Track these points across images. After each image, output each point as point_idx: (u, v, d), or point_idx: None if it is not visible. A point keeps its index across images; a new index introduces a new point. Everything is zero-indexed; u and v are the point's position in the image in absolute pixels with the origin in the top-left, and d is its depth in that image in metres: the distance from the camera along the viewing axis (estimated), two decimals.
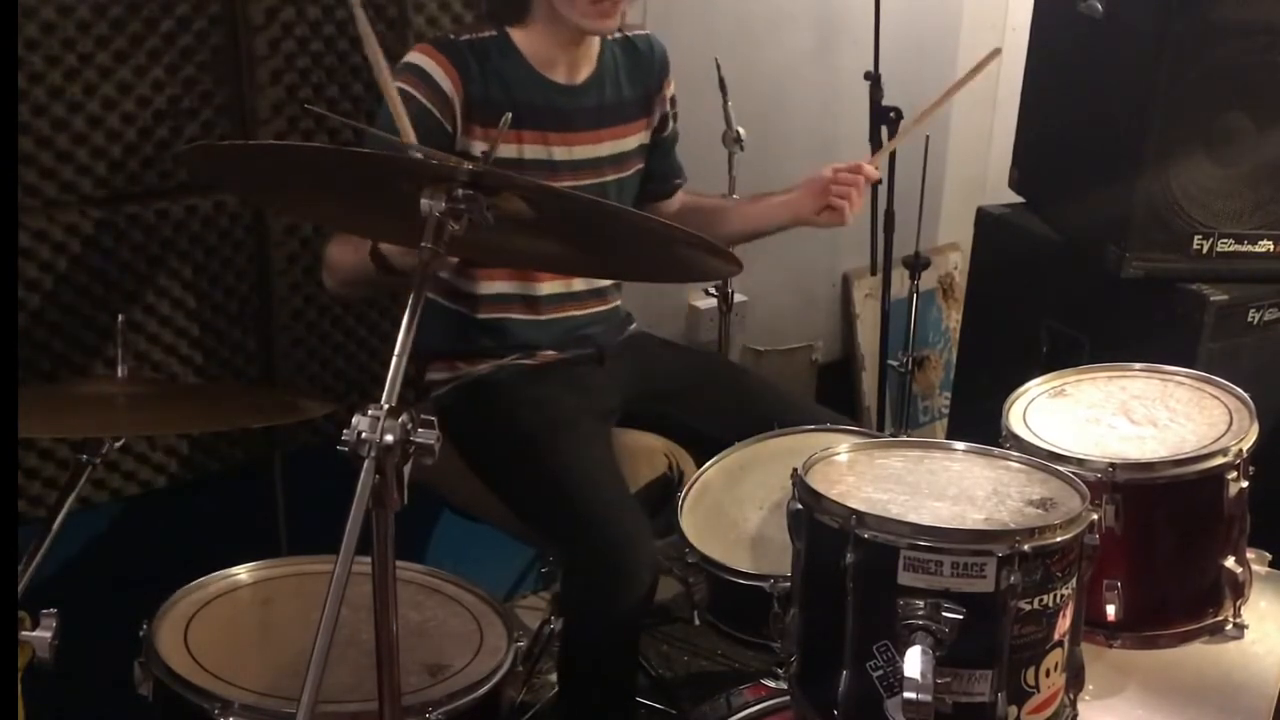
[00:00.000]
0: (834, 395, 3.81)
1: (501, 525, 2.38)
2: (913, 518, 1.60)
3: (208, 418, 2.13)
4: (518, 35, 2.32)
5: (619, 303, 2.57)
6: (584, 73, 2.38)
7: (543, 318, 2.43)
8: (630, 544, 2.13)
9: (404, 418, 1.40)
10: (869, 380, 3.85)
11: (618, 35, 2.45)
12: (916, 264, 3.26)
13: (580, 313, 2.47)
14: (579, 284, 2.45)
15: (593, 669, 2.26)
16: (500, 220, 1.55)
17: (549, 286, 2.41)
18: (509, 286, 2.39)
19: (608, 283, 2.50)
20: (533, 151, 2.31)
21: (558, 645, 2.47)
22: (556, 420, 2.31)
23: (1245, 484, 1.92)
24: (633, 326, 2.61)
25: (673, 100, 2.56)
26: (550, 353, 2.44)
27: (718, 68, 2.75)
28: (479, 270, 2.37)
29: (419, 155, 1.70)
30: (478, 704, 1.71)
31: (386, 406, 1.40)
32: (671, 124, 2.58)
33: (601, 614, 2.16)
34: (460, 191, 1.49)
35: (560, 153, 2.36)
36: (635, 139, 2.49)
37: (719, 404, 2.40)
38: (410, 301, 1.48)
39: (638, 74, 2.47)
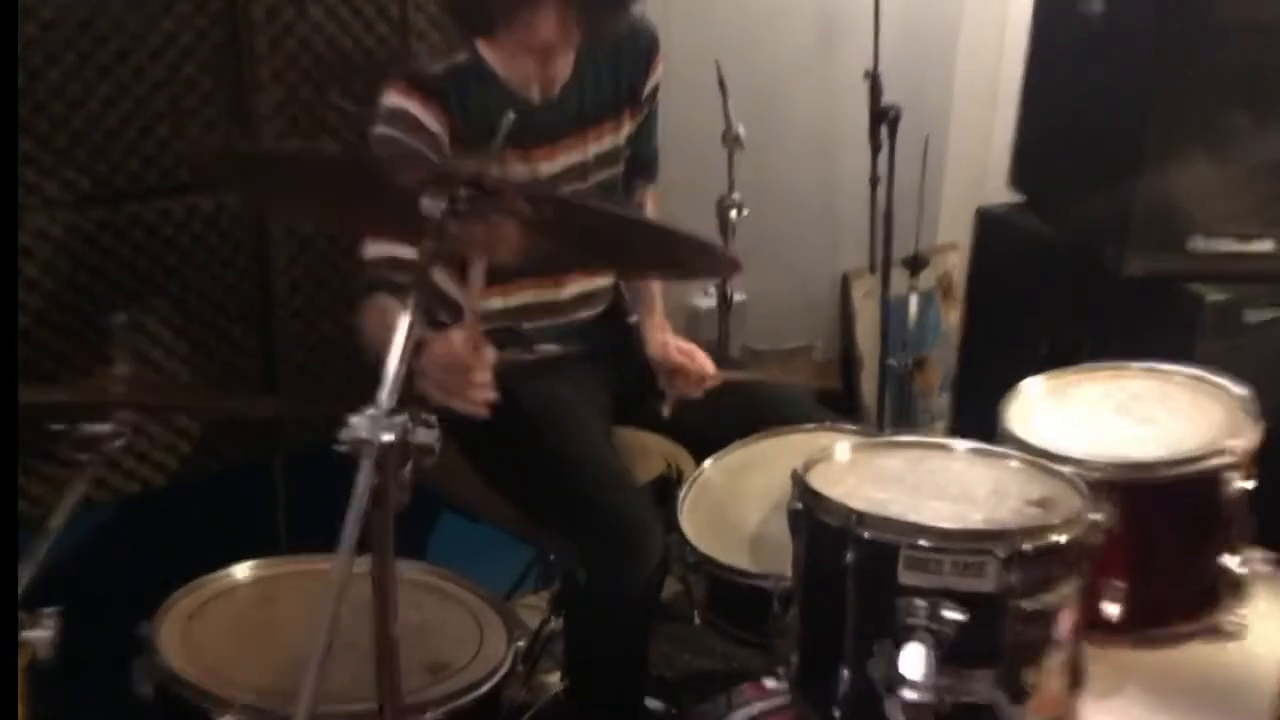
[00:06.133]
0: (834, 395, 3.81)
1: (501, 523, 2.38)
2: (913, 517, 1.61)
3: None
4: (490, 54, 2.26)
5: (612, 298, 2.57)
6: (562, 77, 2.31)
7: (540, 324, 2.44)
8: (638, 518, 2.14)
9: (403, 417, 1.40)
10: (868, 380, 3.85)
11: None
12: (916, 264, 3.26)
13: (567, 319, 2.47)
14: (571, 289, 2.45)
15: (603, 655, 2.26)
16: (501, 218, 1.55)
17: (534, 296, 2.41)
18: (494, 302, 2.39)
19: (598, 288, 2.50)
20: (517, 172, 2.28)
21: (559, 646, 2.47)
22: (555, 405, 2.32)
23: (1244, 483, 1.92)
24: (633, 319, 2.61)
25: (655, 88, 2.48)
26: (546, 347, 2.45)
27: (718, 68, 2.75)
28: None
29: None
30: (478, 704, 1.71)
31: (386, 406, 1.40)
32: (648, 114, 2.51)
33: (612, 592, 2.15)
34: (462, 192, 1.49)
35: (545, 166, 2.33)
36: (623, 132, 2.45)
37: (718, 403, 2.40)
38: (410, 303, 1.48)
39: (622, 68, 2.40)
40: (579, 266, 2.25)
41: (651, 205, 2.64)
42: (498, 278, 2.37)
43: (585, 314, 2.50)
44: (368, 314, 2.20)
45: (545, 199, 1.58)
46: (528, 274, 2.39)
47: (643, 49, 2.44)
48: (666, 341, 2.47)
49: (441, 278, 2.07)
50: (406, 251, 2.17)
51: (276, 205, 2.25)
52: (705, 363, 2.41)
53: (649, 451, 2.49)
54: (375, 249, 2.19)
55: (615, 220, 1.72)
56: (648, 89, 2.47)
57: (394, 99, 2.21)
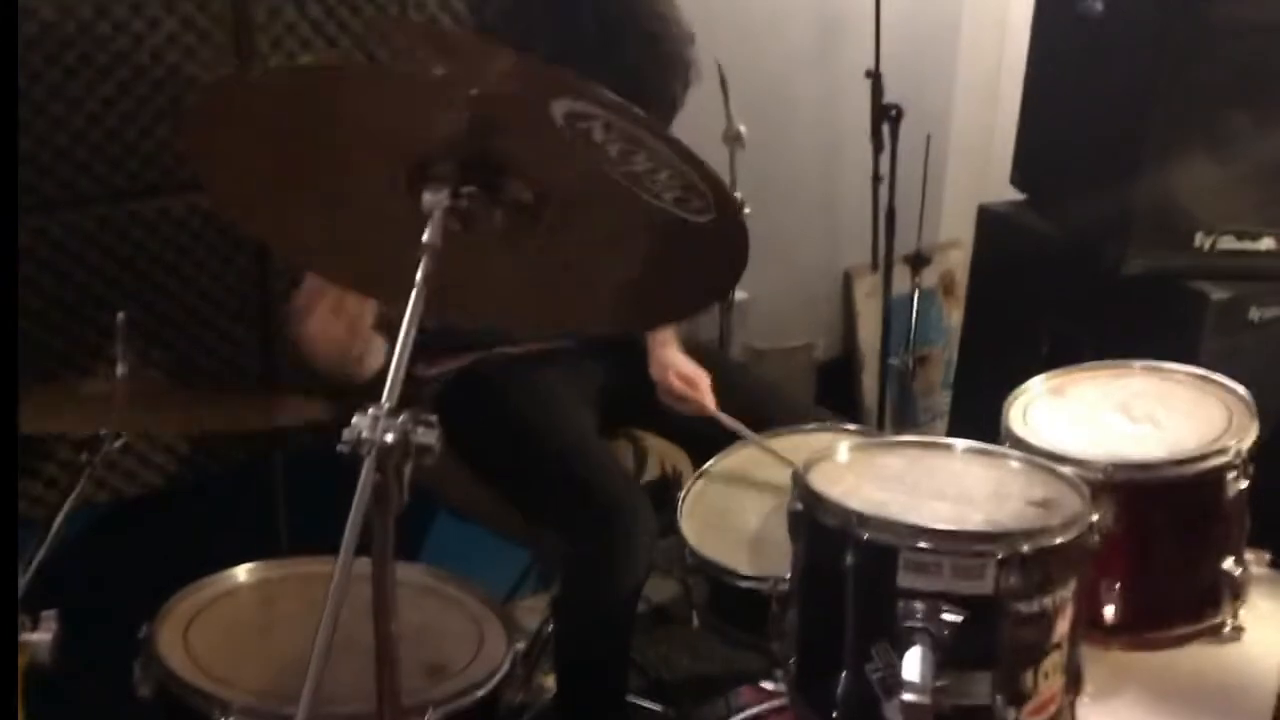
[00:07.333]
0: (834, 394, 3.81)
1: (496, 527, 2.38)
2: (913, 518, 1.60)
3: (209, 418, 2.12)
4: None
5: None
6: None
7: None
8: (629, 508, 2.15)
9: (404, 417, 1.40)
10: (869, 379, 3.85)
11: None
12: (918, 261, 3.26)
13: None
14: None
15: (591, 644, 2.27)
16: (502, 218, 1.54)
17: None
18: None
19: None
20: None
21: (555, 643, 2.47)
22: (545, 399, 2.33)
23: (1245, 484, 1.92)
24: None
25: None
26: (535, 344, 2.45)
27: (719, 67, 2.75)
28: None
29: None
30: (477, 705, 1.71)
31: (387, 406, 1.40)
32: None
33: (601, 582, 2.16)
34: (464, 189, 1.49)
35: None
36: None
37: (718, 404, 2.40)
38: (410, 302, 1.47)
39: None
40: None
41: None
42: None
43: None
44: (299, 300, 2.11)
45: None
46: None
47: None
48: (668, 365, 2.43)
49: None
50: None
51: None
52: (706, 398, 2.39)
53: (647, 453, 2.49)
54: None
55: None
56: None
57: None
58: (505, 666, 1.77)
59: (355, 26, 2.58)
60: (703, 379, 2.40)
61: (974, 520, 1.64)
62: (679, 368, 2.41)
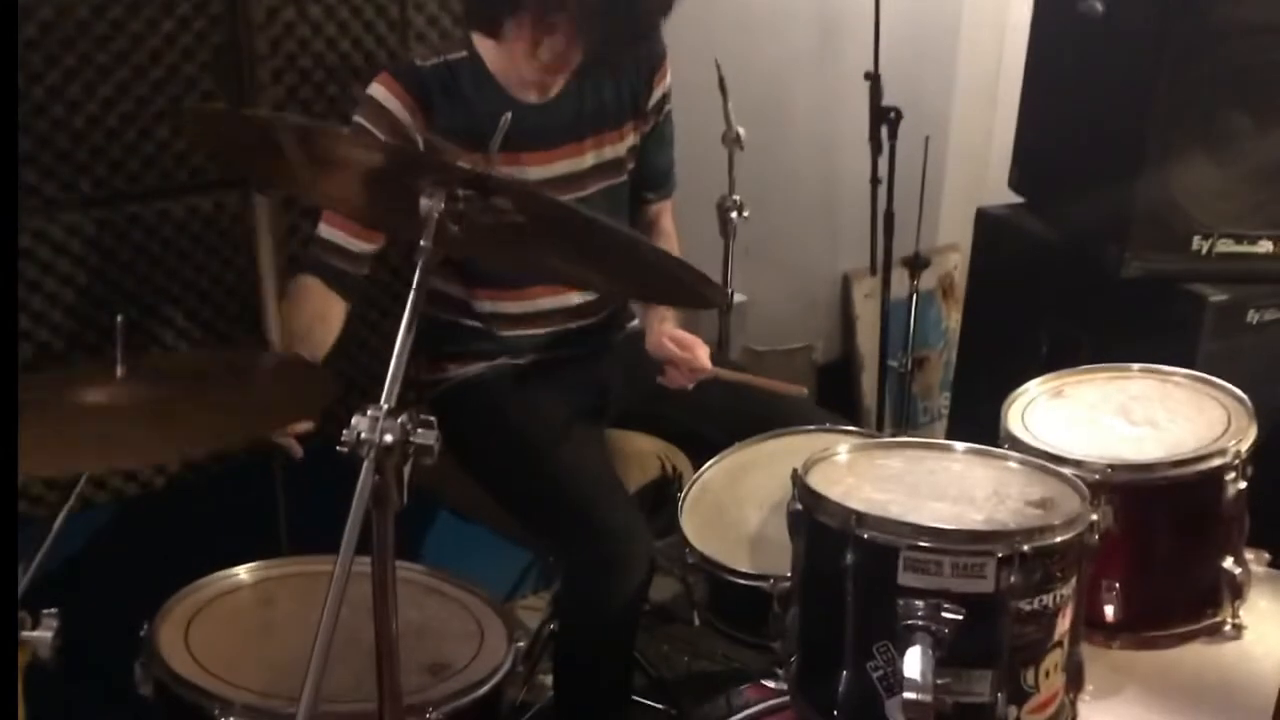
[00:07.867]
0: (834, 395, 3.81)
1: (496, 526, 2.38)
2: (913, 518, 1.60)
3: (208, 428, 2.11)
4: (490, 52, 2.25)
5: (614, 305, 2.57)
6: (558, 86, 2.32)
7: (539, 331, 2.45)
8: (625, 533, 2.14)
9: (403, 418, 1.40)
10: (869, 380, 3.85)
11: None
12: (916, 264, 3.26)
13: (575, 325, 2.48)
14: (575, 298, 2.45)
15: (589, 663, 2.27)
16: (497, 222, 1.55)
17: (547, 303, 2.43)
18: (512, 307, 2.40)
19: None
20: (506, 174, 2.23)
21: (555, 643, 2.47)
22: (547, 418, 2.32)
23: (1244, 484, 1.92)
24: (632, 323, 2.61)
25: (663, 100, 2.48)
26: (540, 354, 2.45)
27: (718, 69, 2.75)
28: (478, 289, 2.38)
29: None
30: (478, 704, 1.71)
31: (386, 407, 1.40)
32: (657, 126, 2.50)
33: (598, 606, 2.17)
34: (460, 191, 1.49)
35: (536, 171, 2.32)
36: (625, 143, 2.44)
37: (717, 404, 2.40)
38: (410, 302, 1.48)
39: (624, 77, 2.40)
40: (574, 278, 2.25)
41: (666, 220, 2.63)
42: (511, 283, 2.38)
43: (590, 320, 2.49)
44: (294, 292, 2.24)
45: (528, 199, 1.57)
46: (534, 282, 2.40)
47: (644, 59, 2.43)
48: (663, 334, 2.41)
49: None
50: (357, 245, 2.22)
51: (264, 174, 2.28)
52: (701, 357, 2.38)
53: (646, 454, 2.49)
54: (329, 232, 2.22)
55: (592, 228, 1.67)
56: (653, 100, 2.45)
57: (375, 89, 2.24)
58: (506, 665, 1.77)
59: (355, 28, 2.58)
60: (699, 344, 2.38)
61: (974, 519, 1.64)
62: (674, 335, 2.39)
